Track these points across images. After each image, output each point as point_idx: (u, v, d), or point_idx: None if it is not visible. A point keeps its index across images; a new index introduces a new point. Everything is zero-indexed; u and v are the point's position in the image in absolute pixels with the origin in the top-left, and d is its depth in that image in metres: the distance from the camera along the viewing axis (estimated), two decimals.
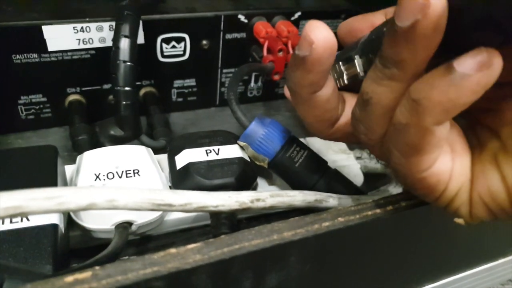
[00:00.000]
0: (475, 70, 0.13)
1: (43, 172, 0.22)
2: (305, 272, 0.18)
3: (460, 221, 0.18)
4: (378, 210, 0.17)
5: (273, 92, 0.42)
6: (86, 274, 0.14)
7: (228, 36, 0.36)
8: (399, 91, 0.15)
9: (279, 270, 0.17)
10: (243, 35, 0.37)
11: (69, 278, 0.14)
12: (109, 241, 0.23)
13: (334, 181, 0.25)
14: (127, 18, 0.28)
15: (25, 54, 0.31)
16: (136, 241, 0.27)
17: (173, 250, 0.15)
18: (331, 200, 0.20)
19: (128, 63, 0.27)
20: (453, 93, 0.13)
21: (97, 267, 0.14)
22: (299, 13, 0.38)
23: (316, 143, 0.32)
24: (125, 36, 0.27)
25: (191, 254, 0.15)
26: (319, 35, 0.16)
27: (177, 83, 0.37)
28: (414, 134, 0.15)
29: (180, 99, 0.38)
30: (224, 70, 0.38)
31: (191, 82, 0.38)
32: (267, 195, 0.18)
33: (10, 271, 0.17)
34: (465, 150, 0.18)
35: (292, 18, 0.37)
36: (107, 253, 0.20)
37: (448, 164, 0.17)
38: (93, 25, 0.31)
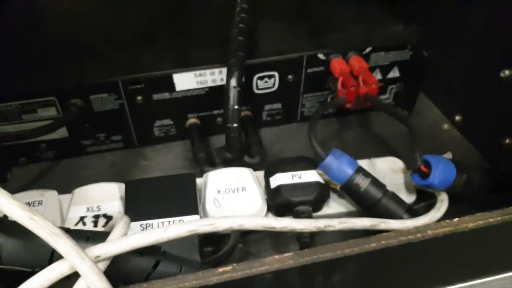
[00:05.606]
0: None
1: (188, 194, 0.33)
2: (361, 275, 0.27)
3: None
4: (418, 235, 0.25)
5: (344, 109, 0.50)
6: (229, 268, 0.24)
7: (309, 70, 0.45)
8: None
9: (340, 274, 0.26)
10: (322, 68, 0.45)
11: (219, 270, 0.24)
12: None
13: (391, 201, 0.34)
14: (234, 73, 0.37)
15: (161, 94, 0.42)
16: None
17: (276, 257, 0.25)
18: (382, 224, 0.28)
19: (236, 107, 0.37)
20: None
21: (235, 264, 0.24)
22: (370, 48, 0.45)
23: (378, 164, 0.40)
24: (234, 87, 0.37)
25: (287, 260, 0.25)
26: None
27: (267, 107, 0.47)
28: None
29: (268, 118, 0.48)
30: (305, 95, 0.47)
31: (277, 105, 0.47)
32: (336, 222, 0.27)
33: (166, 256, 0.27)
34: None
35: (364, 53, 0.45)
36: (228, 249, 0.31)
37: None
38: (208, 71, 0.42)
